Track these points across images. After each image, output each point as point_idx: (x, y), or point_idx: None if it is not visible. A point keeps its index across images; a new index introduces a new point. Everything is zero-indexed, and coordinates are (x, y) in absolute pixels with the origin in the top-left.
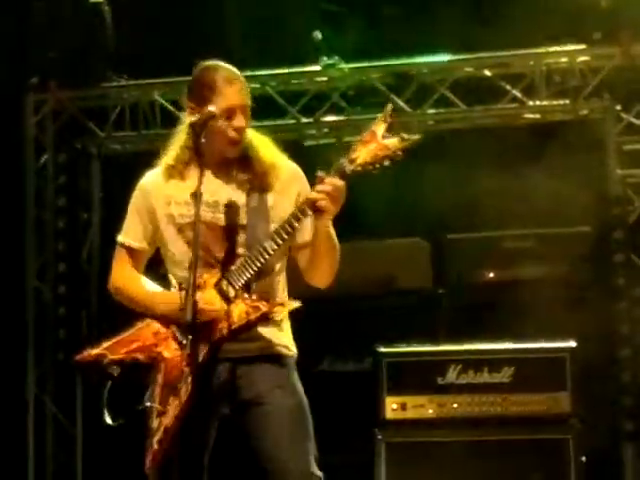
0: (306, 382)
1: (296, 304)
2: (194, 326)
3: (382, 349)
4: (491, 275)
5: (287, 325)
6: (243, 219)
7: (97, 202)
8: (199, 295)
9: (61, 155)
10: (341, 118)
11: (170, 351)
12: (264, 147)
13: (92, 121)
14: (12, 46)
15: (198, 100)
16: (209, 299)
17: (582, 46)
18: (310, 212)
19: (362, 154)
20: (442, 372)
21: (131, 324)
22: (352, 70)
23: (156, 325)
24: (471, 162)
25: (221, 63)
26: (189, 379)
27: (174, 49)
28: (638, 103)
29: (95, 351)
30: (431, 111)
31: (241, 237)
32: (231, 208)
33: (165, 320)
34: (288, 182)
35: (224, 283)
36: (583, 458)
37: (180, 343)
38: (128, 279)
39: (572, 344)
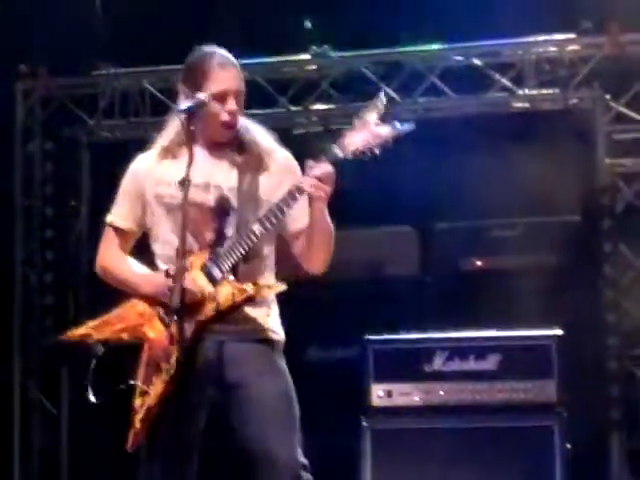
0: (292, 369)
1: (282, 287)
2: (182, 310)
3: (369, 336)
4: (479, 263)
5: (275, 309)
6: (233, 201)
7: (86, 190)
8: (186, 276)
9: (50, 143)
10: (331, 106)
11: (155, 331)
12: (259, 134)
13: (81, 109)
14: (1, 33)
15: (192, 85)
16: (196, 280)
17: (571, 35)
18: (300, 198)
19: (353, 141)
20: (428, 359)
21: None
22: (342, 58)
23: (142, 305)
24: (460, 150)
25: (216, 48)
26: (173, 359)
27: (164, 37)
28: (627, 92)
29: (81, 331)
30: (421, 99)
31: (231, 219)
32: (221, 189)
33: (151, 300)
34: (281, 168)
35: (211, 265)
36: (568, 446)
37: (165, 323)
38: (115, 259)
39: (558, 332)
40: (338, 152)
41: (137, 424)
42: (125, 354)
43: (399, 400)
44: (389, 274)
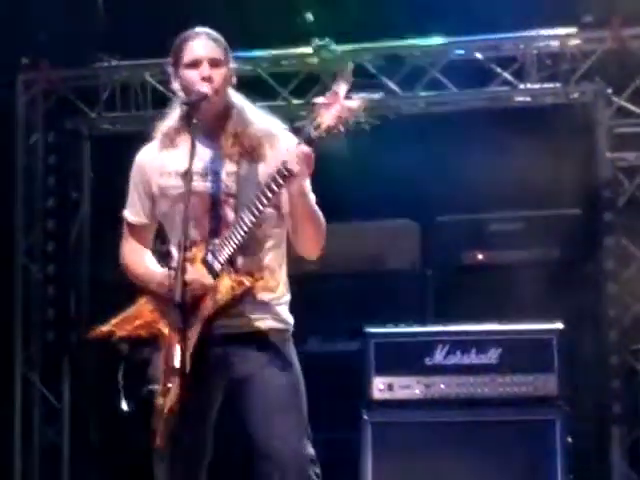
0: None
1: (279, 279)
2: (184, 306)
3: (370, 329)
4: (480, 257)
5: (285, 299)
6: (232, 187)
7: (87, 182)
8: (188, 270)
9: (51, 135)
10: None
11: (169, 328)
12: (256, 119)
13: (83, 101)
14: (3, 26)
15: (174, 63)
16: (197, 275)
17: (573, 30)
18: (281, 180)
19: (326, 118)
20: (429, 353)
21: (121, 303)
22: (343, 52)
23: (154, 301)
24: (461, 144)
25: (200, 28)
26: (185, 356)
27: (165, 30)
28: (629, 87)
29: (105, 328)
30: (422, 93)
31: (231, 205)
32: (220, 176)
33: (160, 296)
34: (279, 154)
35: (210, 257)
36: (569, 439)
37: (172, 319)
38: (132, 255)
39: (560, 326)
40: (312, 132)
41: (161, 424)
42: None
43: (400, 393)
44: (390, 267)
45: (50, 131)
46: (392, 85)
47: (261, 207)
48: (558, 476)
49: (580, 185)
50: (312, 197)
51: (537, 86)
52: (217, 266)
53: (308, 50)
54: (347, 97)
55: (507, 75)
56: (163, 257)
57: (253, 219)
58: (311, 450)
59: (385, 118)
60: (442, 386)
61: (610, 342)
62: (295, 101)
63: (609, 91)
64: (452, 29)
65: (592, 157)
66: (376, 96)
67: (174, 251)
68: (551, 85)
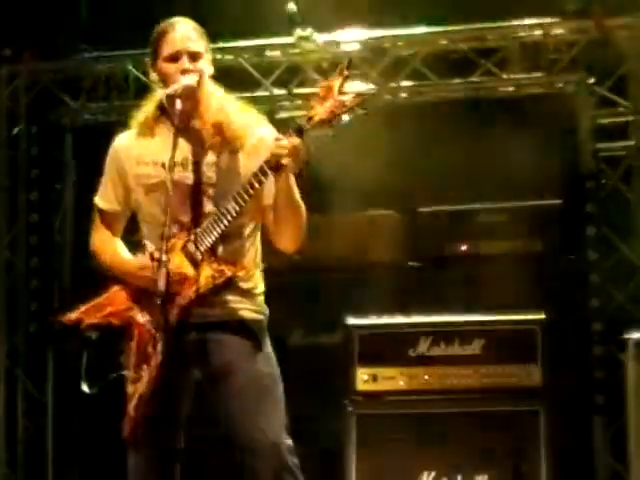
0: (276, 354)
1: (260, 267)
2: (166, 295)
3: (353, 321)
4: (463, 248)
5: (261, 289)
6: (212, 178)
7: (70, 174)
8: (168, 260)
9: (34, 126)
10: (314, 90)
11: (142, 315)
12: (237, 108)
13: (65, 93)
14: None
15: (153, 55)
16: (177, 264)
17: (556, 19)
18: (269, 172)
19: (319, 112)
20: (413, 344)
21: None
22: (326, 42)
23: (128, 289)
24: (444, 135)
25: (177, 18)
26: (159, 345)
27: (148, 20)
28: (612, 77)
29: (73, 315)
30: (405, 84)
31: (210, 196)
32: (199, 166)
33: (136, 285)
34: (258, 145)
35: (191, 246)
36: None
37: (150, 308)
38: (102, 243)
39: (542, 316)
40: (304, 124)
41: (131, 411)
42: (115, 340)
43: (384, 384)
44: (374, 259)
45: (33, 123)
46: (374, 75)
47: (247, 197)
48: (542, 467)
49: (563, 176)
50: (296, 190)
51: (520, 76)
52: (197, 255)
53: (290, 40)
54: (341, 92)
55: (490, 65)
56: (134, 247)
57: (238, 209)
58: (289, 440)
59: (367, 108)
60: (426, 377)
61: (593, 332)
62: (277, 91)
63: (592, 81)
64: (434, 19)
65: (575, 147)
66: (371, 91)
67: (147, 242)
68: (534, 75)
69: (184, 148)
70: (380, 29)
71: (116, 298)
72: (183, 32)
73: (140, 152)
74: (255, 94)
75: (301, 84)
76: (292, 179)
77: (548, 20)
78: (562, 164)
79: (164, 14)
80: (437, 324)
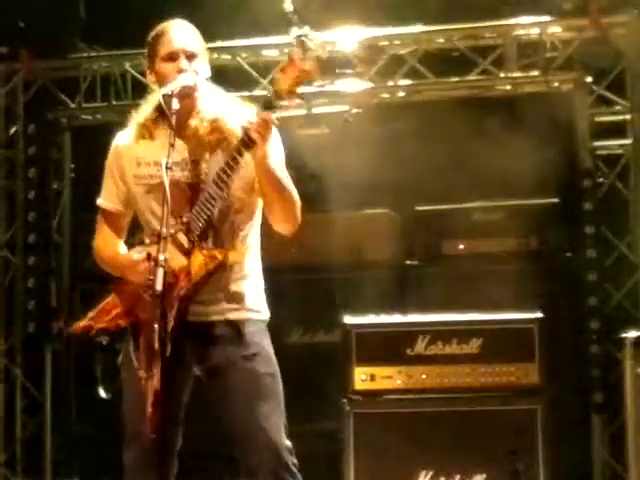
0: (275, 353)
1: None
2: (164, 294)
3: (351, 320)
4: (461, 247)
5: (260, 286)
6: (210, 177)
7: (67, 173)
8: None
9: (32, 125)
10: (312, 89)
11: (146, 313)
12: (233, 107)
13: (63, 92)
14: None
15: (149, 57)
16: (169, 256)
17: (553, 18)
18: (243, 149)
19: (284, 83)
20: (411, 343)
21: (102, 294)
22: (323, 41)
23: (129, 288)
24: (441, 133)
25: (172, 20)
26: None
27: (145, 20)
28: (608, 75)
29: (83, 323)
30: (402, 82)
31: (205, 193)
32: (197, 165)
33: (132, 283)
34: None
35: (181, 236)
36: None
37: (151, 306)
38: (104, 242)
39: (540, 315)
40: (273, 98)
41: (149, 408)
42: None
43: (382, 383)
44: (371, 258)
45: (30, 122)
46: (372, 74)
47: (226, 178)
48: (540, 466)
49: (560, 174)
50: (283, 173)
51: (517, 75)
52: (189, 244)
53: (287, 39)
54: (301, 60)
55: (487, 64)
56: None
57: (219, 192)
58: (288, 440)
59: (365, 107)
60: (424, 376)
61: (591, 331)
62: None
63: (589, 79)
64: (431, 18)
65: (572, 146)
66: (325, 55)
67: (147, 240)
68: (531, 74)
69: (182, 148)
70: (377, 28)
71: (120, 299)
72: (179, 33)
73: (140, 153)
74: (252, 93)
75: None
76: (269, 156)
77: (545, 19)
78: (559, 162)
79: (162, 14)
80: (435, 323)
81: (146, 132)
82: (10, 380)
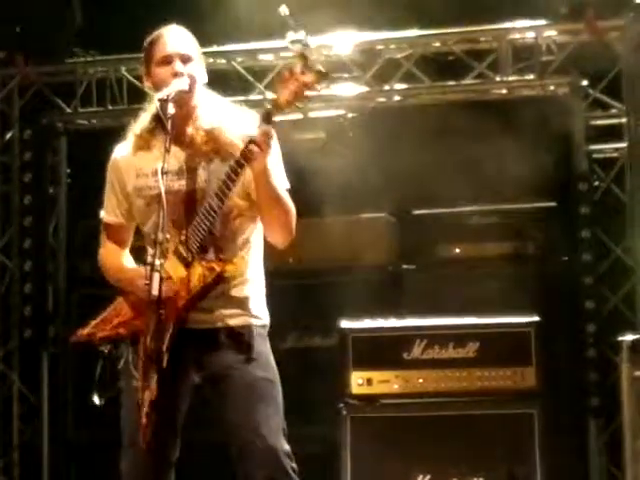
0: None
1: (246, 260)
2: (160, 301)
3: (348, 324)
4: (457, 251)
5: (260, 292)
6: (206, 185)
7: (63, 178)
8: (163, 266)
9: (27, 130)
10: (308, 93)
11: (145, 322)
12: (230, 113)
13: (59, 96)
14: None
15: (146, 64)
16: (170, 268)
17: (548, 21)
18: (243, 162)
19: (283, 95)
20: (407, 347)
21: (99, 299)
22: (318, 45)
23: (131, 298)
24: (437, 137)
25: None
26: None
27: (141, 24)
28: (604, 79)
29: (85, 331)
30: (398, 86)
31: (204, 202)
32: (195, 174)
33: (135, 294)
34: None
35: (182, 248)
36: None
37: (150, 315)
38: (109, 255)
39: (536, 319)
40: (272, 110)
41: (144, 418)
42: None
43: (378, 388)
44: (368, 262)
45: (26, 127)
46: (367, 78)
47: (227, 191)
48: (537, 469)
49: (556, 178)
50: (281, 184)
51: (512, 78)
52: (189, 256)
53: (283, 44)
54: (302, 72)
55: (482, 68)
56: (134, 254)
57: (220, 204)
58: (287, 445)
59: (360, 111)
60: (420, 380)
61: (587, 334)
62: (270, 95)
63: (585, 83)
64: (427, 21)
65: (568, 149)
66: (325, 69)
67: (150, 250)
68: (527, 77)
69: (179, 156)
70: (373, 32)
71: (122, 309)
72: (174, 37)
73: (139, 164)
74: (248, 98)
75: None
76: (268, 170)
77: (540, 22)
78: (555, 166)
79: (157, 18)
80: (431, 327)
81: (143, 143)
82: (6, 386)
